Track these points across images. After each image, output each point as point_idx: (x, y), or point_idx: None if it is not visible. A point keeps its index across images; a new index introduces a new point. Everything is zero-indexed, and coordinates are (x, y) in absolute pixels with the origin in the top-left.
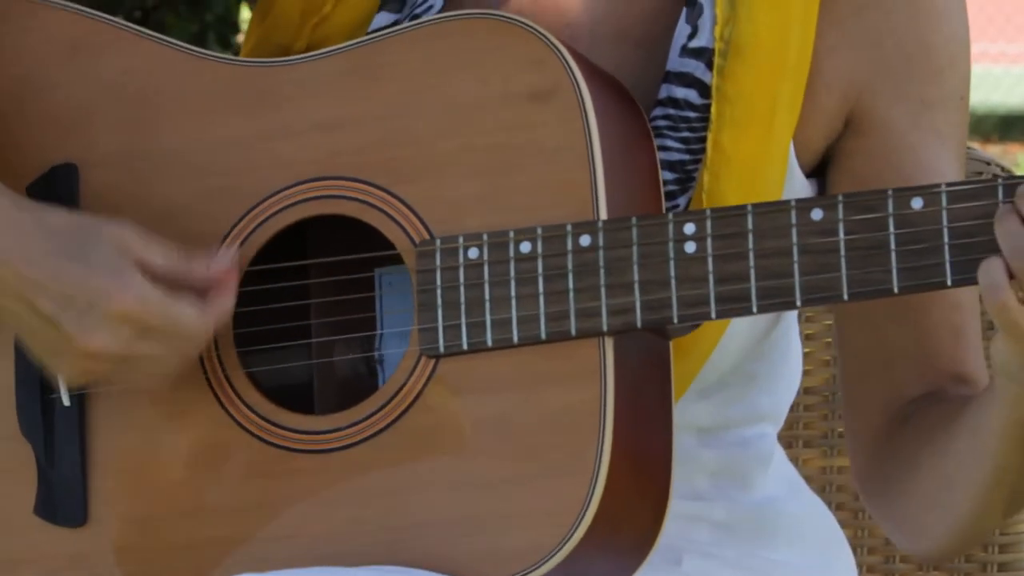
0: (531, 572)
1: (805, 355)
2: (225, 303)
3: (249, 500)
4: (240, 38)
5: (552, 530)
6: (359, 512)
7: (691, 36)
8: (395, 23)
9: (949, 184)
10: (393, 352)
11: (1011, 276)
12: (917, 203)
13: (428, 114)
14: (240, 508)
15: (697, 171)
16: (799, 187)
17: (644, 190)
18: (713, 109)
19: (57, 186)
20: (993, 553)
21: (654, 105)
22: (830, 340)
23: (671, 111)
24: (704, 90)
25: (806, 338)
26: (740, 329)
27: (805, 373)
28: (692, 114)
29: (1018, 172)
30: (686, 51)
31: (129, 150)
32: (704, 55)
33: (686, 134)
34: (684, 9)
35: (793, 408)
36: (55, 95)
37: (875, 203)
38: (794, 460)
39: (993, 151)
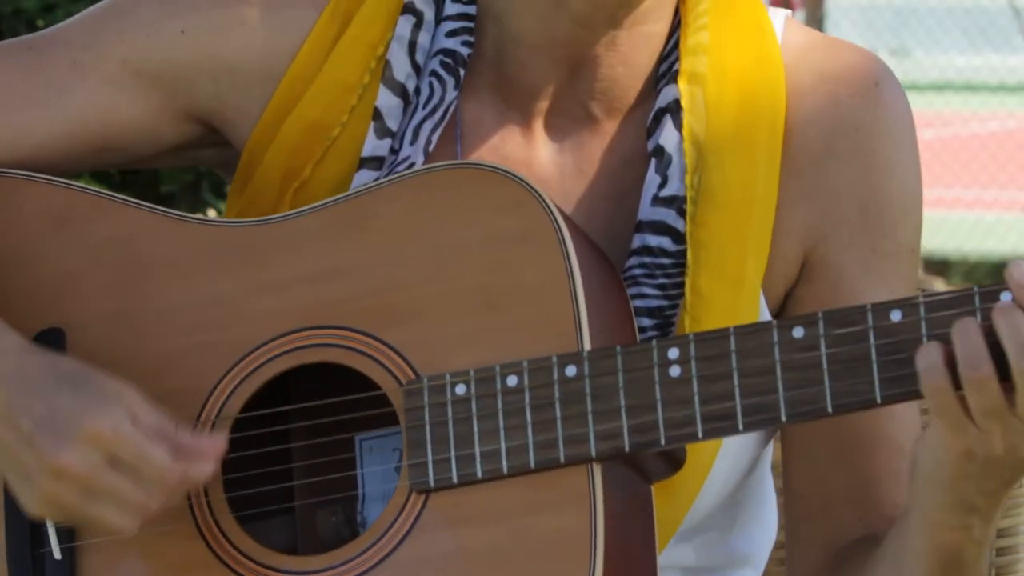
0: None
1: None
2: (203, 468)
3: None
4: None
5: None
6: None
7: (661, 186)
8: (375, 180)
9: (927, 295)
10: (375, 516)
11: (949, 366)
12: (896, 315)
13: (411, 260)
14: None
15: (675, 316)
16: None
17: (622, 334)
18: (689, 254)
19: None
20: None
21: (628, 255)
22: None
23: (646, 259)
24: (677, 237)
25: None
26: (717, 475)
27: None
28: (667, 260)
29: None
30: (657, 200)
31: (115, 313)
32: (675, 203)
33: (662, 280)
34: (652, 160)
35: (775, 546)
36: (42, 265)
37: (855, 317)
38: None
39: None
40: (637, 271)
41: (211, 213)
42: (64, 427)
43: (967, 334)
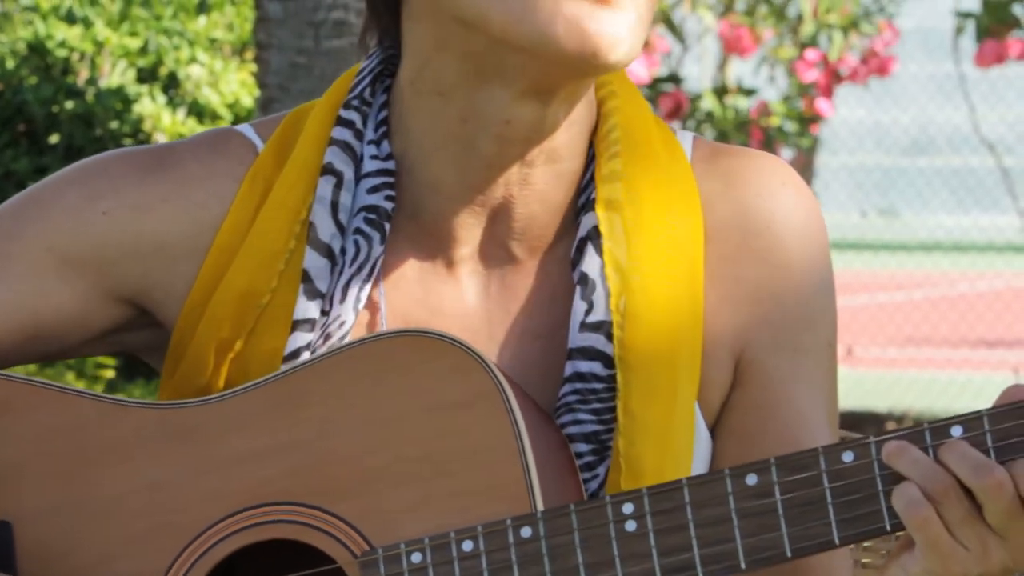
0: None
1: None
2: None
3: None
4: None
5: None
6: None
7: (588, 312)
8: (309, 344)
9: (877, 437)
10: None
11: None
12: (848, 457)
13: (356, 432)
14: None
15: (610, 440)
16: (704, 445)
17: (564, 471)
18: (619, 378)
19: None
20: None
21: (562, 383)
22: None
23: (579, 385)
24: (607, 361)
25: None
26: None
27: None
28: (599, 385)
29: None
30: (585, 326)
31: (62, 503)
32: (603, 328)
33: (596, 405)
34: (578, 288)
35: None
36: None
37: (807, 462)
38: None
39: None
40: (571, 398)
41: None
42: None
43: (912, 457)
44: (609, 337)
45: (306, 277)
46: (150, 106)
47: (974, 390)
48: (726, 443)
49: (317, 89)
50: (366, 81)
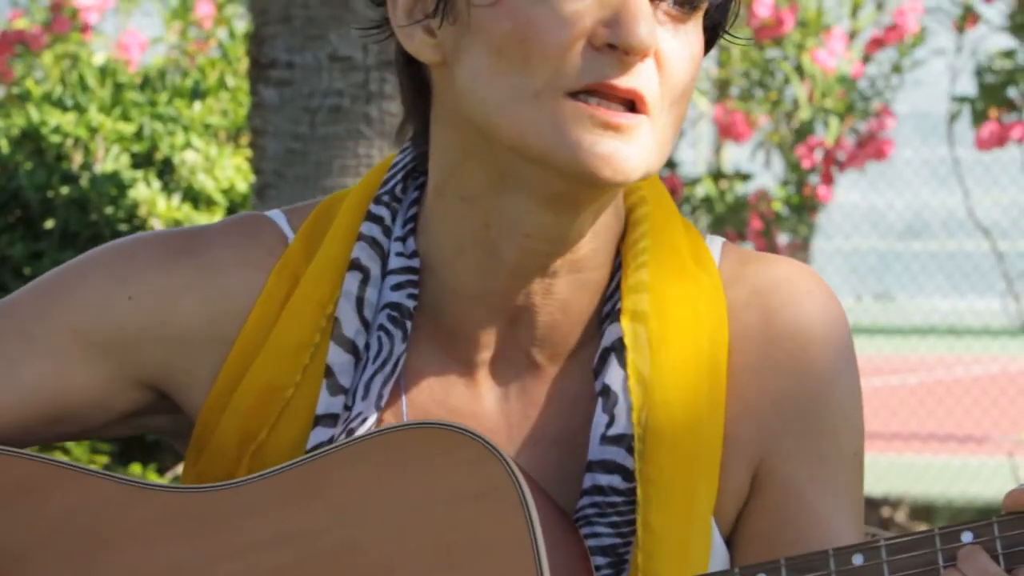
0: None
1: None
2: None
3: None
4: None
5: None
6: None
7: (609, 425)
8: (331, 439)
9: (888, 538)
10: None
11: None
12: (858, 559)
13: (372, 522)
14: None
15: (628, 553)
16: (720, 558)
17: None
18: (639, 492)
19: None
20: None
21: (580, 495)
22: None
23: (597, 498)
24: (627, 474)
25: None
26: None
27: None
28: (618, 499)
29: None
30: (606, 439)
31: None
32: (624, 441)
33: (614, 518)
34: (599, 399)
35: None
36: (1, 535)
37: (817, 563)
38: None
39: None
40: (590, 511)
41: None
42: None
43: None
44: (630, 450)
45: (329, 372)
46: (145, 191)
47: (969, 475)
48: (744, 550)
49: (312, 175)
50: (399, 177)
